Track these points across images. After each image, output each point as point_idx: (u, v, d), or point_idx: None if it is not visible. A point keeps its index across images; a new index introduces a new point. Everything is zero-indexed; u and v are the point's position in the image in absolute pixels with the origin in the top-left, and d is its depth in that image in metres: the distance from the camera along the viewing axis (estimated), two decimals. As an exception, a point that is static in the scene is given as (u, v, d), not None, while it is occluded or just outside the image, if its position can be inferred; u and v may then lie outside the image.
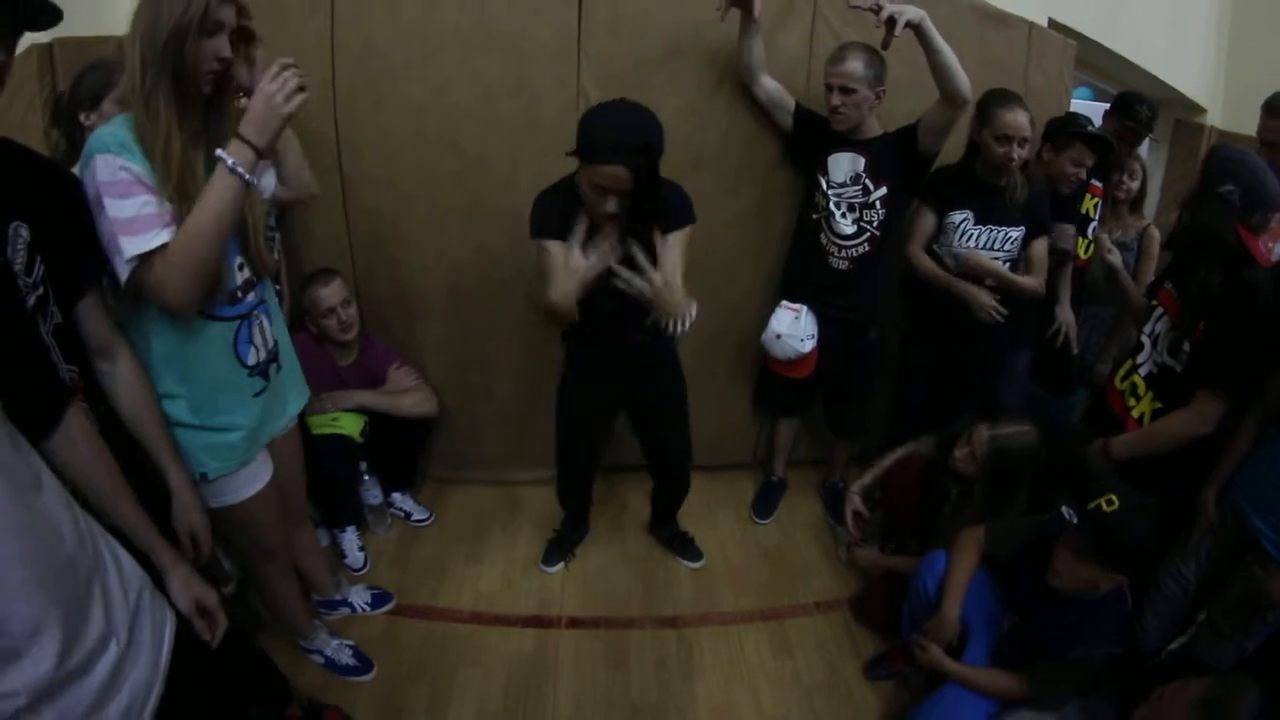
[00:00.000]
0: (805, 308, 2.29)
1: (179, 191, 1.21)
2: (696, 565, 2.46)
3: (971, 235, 2.20)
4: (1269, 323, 1.57)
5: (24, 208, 1.06)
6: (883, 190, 2.16)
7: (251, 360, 1.44)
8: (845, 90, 2.02)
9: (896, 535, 2.34)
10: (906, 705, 1.96)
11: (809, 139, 2.22)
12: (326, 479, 2.18)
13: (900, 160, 2.13)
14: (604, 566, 2.45)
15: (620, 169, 1.48)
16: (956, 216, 2.21)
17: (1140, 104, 2.33)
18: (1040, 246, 2.21)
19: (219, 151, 1.21)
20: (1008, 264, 2.21)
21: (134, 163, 1.18)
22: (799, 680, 2.08)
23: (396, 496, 2.57)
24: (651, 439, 2.22)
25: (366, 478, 2.36)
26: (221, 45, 1.22)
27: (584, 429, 2.16)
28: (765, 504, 2.71)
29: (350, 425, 2.28)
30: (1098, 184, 2.34)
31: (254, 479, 1.53)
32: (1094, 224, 2.37)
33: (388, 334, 2.47)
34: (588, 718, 1.94)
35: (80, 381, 1.19)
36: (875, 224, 2.20)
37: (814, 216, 2.27)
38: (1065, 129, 2.19)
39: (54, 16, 1.01)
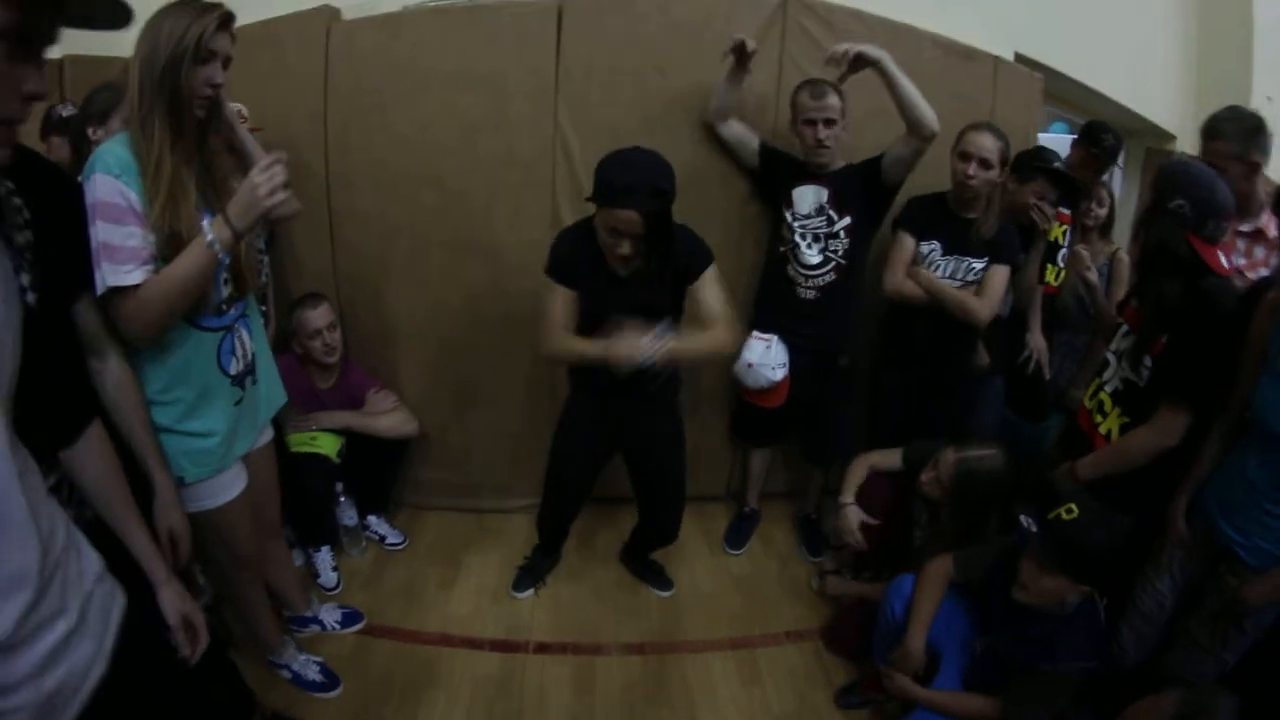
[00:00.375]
0: (776, 337, 2.35)
1: (168, 208, 1.28)
2: (667, 594, 2.46)
3: (937, 266, 2.26)
4: (1228, 331, 1.58)
5: (22, 195, 1.09)
6: (846, 220, 2.24)
7: (233, 370, 1.51)
8: (829, 123, 2.11)
9: (870, 563, 2.35)
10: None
11: (775, 174, 2.32)
12: (303, 497, 2.20)
13: (864, 191, 2.22)
14: (574, 594, 2.45)
15: (633, 213, 1.56)
16: (925, 247, 2.27)
17: (1105, 132, 2.40)
18: (998, 272, 2.22)
19: (204, 224, 1.29)
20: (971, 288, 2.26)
21: (131, 189, 1.26)
22: (768, 709, 2.05)
23: (372, 519, 2.58)
24: (645, 481, 2.21)
25: (342, 499, 2.40)
26: (215, 72, 1.32)
27: (578, 461, 2.16)
28: (738, 535, 2.71)
29: (328, 445, 2.32)
30: (1066, 212, 2.39)
31: (229, 486, 1.57)
32: (1064, 251, 2.41)
33: (368, 361, 2.54)
34: (554, 743, 1.92)
35: None
36: (840, 253, 2.28)
37: (780, 249, 2.35)
38: (1030, 162, 2.27)
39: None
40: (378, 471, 2.52)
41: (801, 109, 2.15)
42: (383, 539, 2.57)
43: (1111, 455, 1.77)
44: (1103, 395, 1.86)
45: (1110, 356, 1.88)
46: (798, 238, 2.29)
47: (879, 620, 1.99)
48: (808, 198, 2.26)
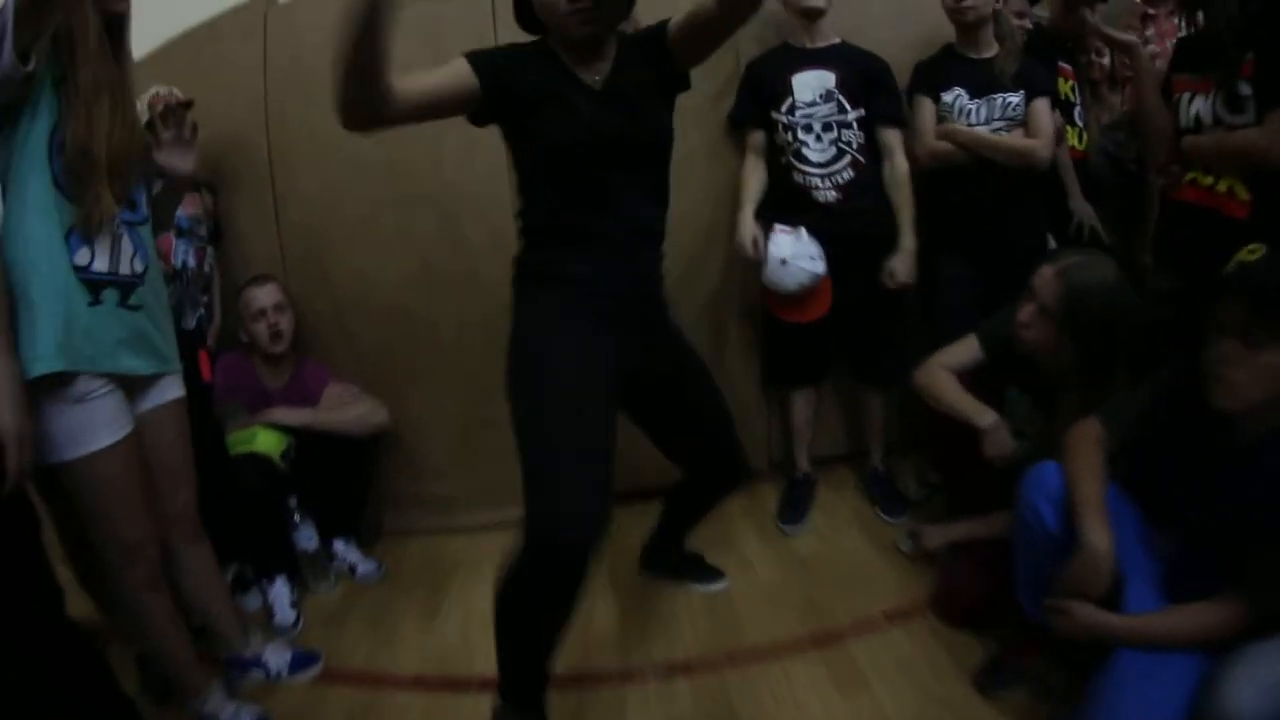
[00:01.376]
0: (801, 227, 1.93)
1: None
2: (717, 587, 1.83)
3: (969, 110, 1.93)
4: None
5: None
6: (860, 111, 1.96)
7: (81, 261, 1.21)
8: None
9: (965, 505, 1.71)
10: (1059, 714, 1.29)
11: (765, 76, 2.02)
12: (242, 507, 1.80)
13: (870, 93, 1.96)
14: (588, 610, 1.82)
15: None
16: (948, 96, 1.94)
17: None
18: (1041, 105, 1.89)
19: None
20: (1014, 132, 1.90)
21: None
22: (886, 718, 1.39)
23: (338, 545, 2.09)
24: (684, 414, 1.46)
25: (297, 517, 1.95)
26: None
27: (581, 420, 1.15)
28: (793, 508, 2.10)
29: (268, 443, 1.91)
30: (1066, 66, 2.08)
31: (103, 427, 1.24)
32: (1077, 108, 2.09)
33: (324, 354, 2.22)
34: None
35: None
36: (855, 146, 1.95)
37: (782, 159, 2.00)
38: None
39: None
40: (341, 482, 2.07)
41: None
42: (353, 569, 2.07)
43: (1217, 142, 1.45)
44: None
45: (1202, 130, 1.50)
46: (800, 130, 1.95)
47: (1018, 545, 1.34)
48: (809, 84, 1.95)
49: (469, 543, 2.22)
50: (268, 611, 1.88)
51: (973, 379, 1.64)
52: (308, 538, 1.96)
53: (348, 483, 2.10)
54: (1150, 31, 2.25)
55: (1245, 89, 1.41)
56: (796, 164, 1.98)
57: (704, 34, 1.20)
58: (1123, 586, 1.15)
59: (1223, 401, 1.05)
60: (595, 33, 1.19)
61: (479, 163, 2.05)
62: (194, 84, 2.01)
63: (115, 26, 1.28)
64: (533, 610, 1.16)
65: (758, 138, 2.04)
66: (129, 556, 1.31)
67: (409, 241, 2.15)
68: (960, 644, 1.54)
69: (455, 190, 2.10)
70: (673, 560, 1.87)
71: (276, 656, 1.65)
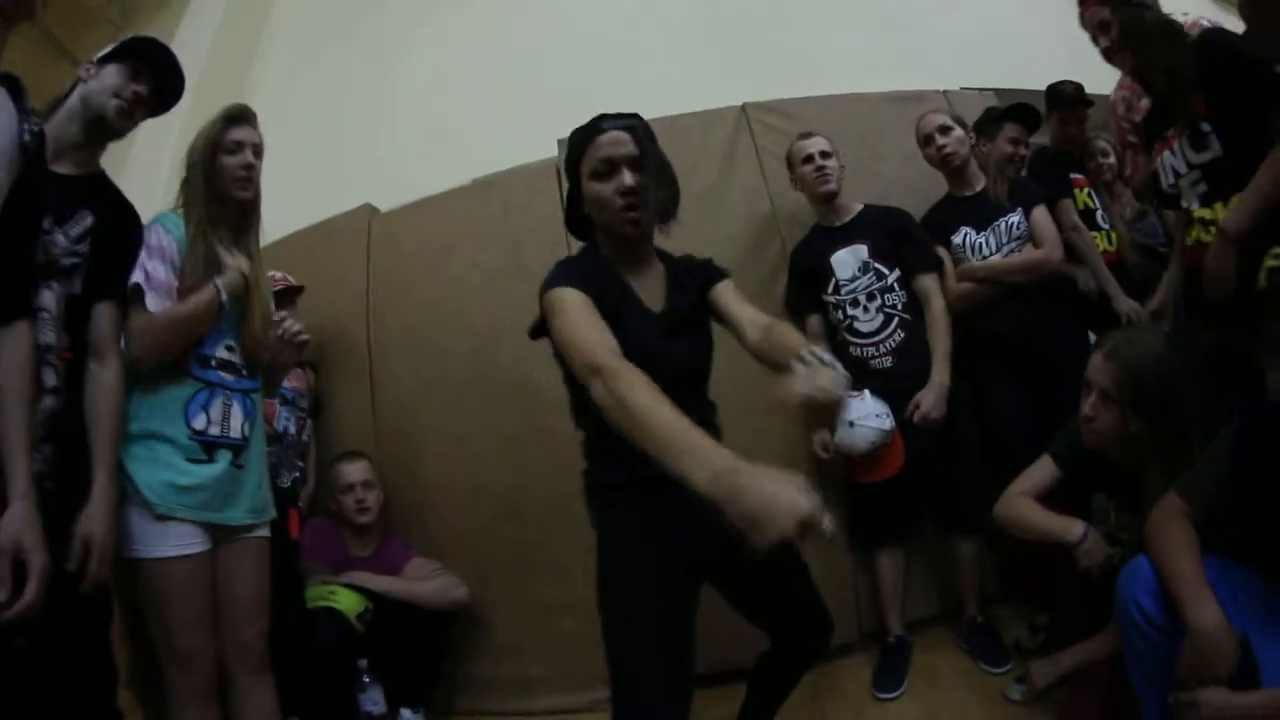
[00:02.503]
0: (865, 390, 1.93)
1: (194, 273, 1.44)
2: None
3: (978, 244, 2.07)
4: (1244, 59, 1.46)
5: (96, 206, 1.34)
6: (897, 272, 2.07)
7: (199, 425, 1.43)
8: (825, 154, 2.09)
9: (1073, 633, 1.56)
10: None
11: (806, 261, 2.17)
12: (313, 659, 1.77)
13: (896, 243, 2.10)
14: None
15: (620, 133, 1.33)
16: (957, 238, 2.10)
17: (1060, 86, 2.30)
18: (1038, 214, 2.03)
19: (217, 280, 1.44)
20: (1026, 248, 2.04)
21: (174, 250, 1.45)
22: None
23: (405, 714, 1.97)
24: (762, 583, 1.41)
25: (366, 679, 1.89)
26: (245, 157, 1.52)
27: (665, 620, 1.23)
28: (889, 674, 1.91)
29: (346, 602, 1.92)
30: (1078, 176, 2.23)
31: (176, 540, 1.37)
32: (1099, 212, 2.19)
33: (409, 533, 2.27)
34: None
35: (68, 354, 1.26)
36: (900, 307, 2.06)
37: (838, 339, 2.13)
38: (987, 118, 2.24)
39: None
40: (415, 651, 2.02)
41: (796, 155, 2.15)
42: (419, 740, 1.94)
43: (1253, 194, 1.40)
44: (1197, 213, 1.57)
45: (1175, 183, 1.63)
46: (849, 306, 2.07)
47: (1130, 655, 1.22)
48: (846, 261, 2.09)
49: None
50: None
51: (1056, 499, 1.56)
52: (374, 701, 1.89)
53: (422, 653, 2.05)
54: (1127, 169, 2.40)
55: (1205, 126, 1.51)
56: (851, 339, 2.08)
57: (730, 328, 1.39)
58: (1255, 663, 1.02)
59: None
60: (642, 230, 1.35)
61: (554, 363, 2.21)
62: (305, 275, 2.38)
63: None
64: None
65: (814, 322, 2.16)
66: (180, 665, 1.36)
67: (492, 427, 2.28)
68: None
69: (537, 380, 2.16)
70: None
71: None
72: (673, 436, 0.94)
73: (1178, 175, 1.60)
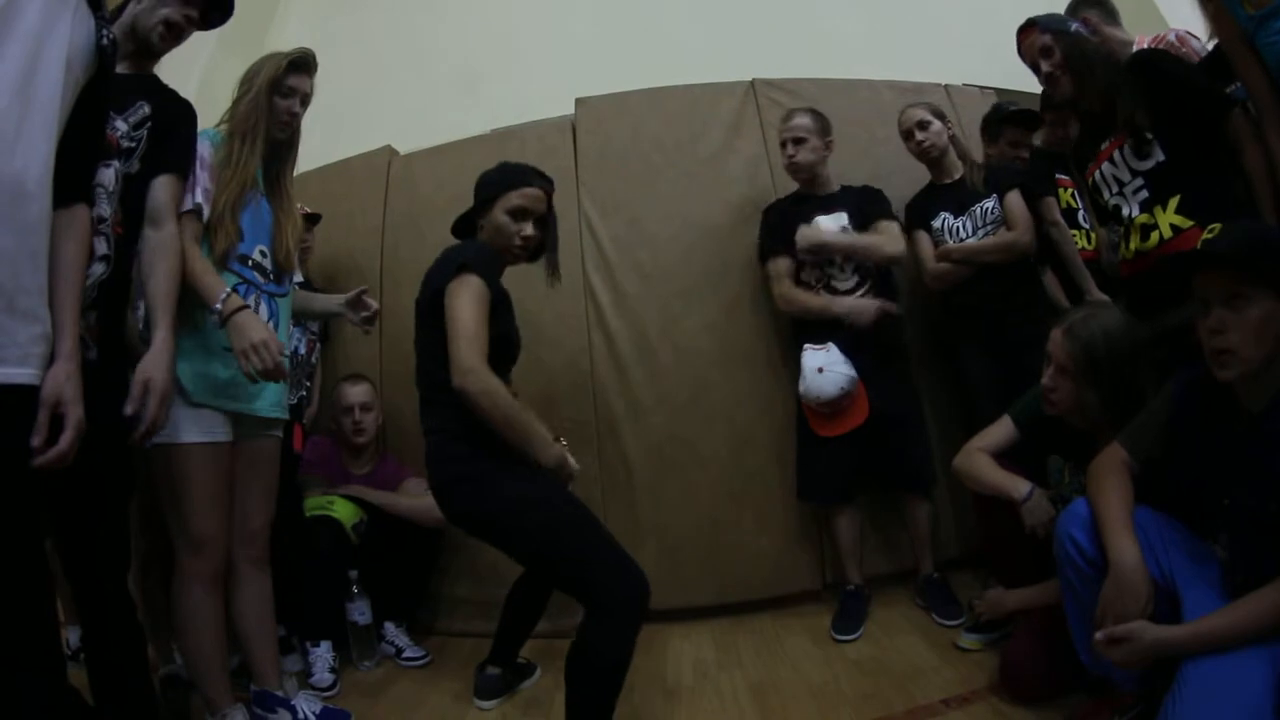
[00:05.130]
0: (829, 343, 2.05)
1: (225, 193, 1.49)
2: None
3: (955, 228, 2.15)
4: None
5: (152, 98, 1.39)
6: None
7: None
8: (797, 141, 2.16)
9: (1018, 584, 1.65)
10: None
11: (783, 223, 2.24)
12: (307, 565, 1.86)
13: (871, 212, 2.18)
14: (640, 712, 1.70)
15: (540, 193, 1.62)
16: (936, 223, 2.18)
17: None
18: (1012, 198, 2.09)
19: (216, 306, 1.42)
20: (999, 230, 2.11)
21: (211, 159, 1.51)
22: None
23: (389, 627, 2.04)
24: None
25: (356, 589, 1.96)
26: (293, 104, 1.60)
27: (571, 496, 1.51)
28: (847, 619, 1.98)
29: (344, 512, 1.99)
30: (1064, 177, 2.28)
31: (201, 428, 1.44)
32: (1080, 212, 2.25)
33: (408, 458, 2.29)
34: None
35: (119, 229, 1.28)
36: (873, 271, 2.15)
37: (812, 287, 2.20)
38: (991, 120, 2.29)
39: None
40: (403, 567, 2.09)
41: (779, 136, 2.23)
42: (399, 652, 2.00)
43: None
44: (1137, 220, 1.59)
45: (1114, 196, 1.65)
46: (826, 264, 2.16)
47: (1066, 592, 1.30)
48: (829, 226, 2.18)
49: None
50: (306, 674, 1.83)
51: (1013, 458, 1.65)
52: (361, 612, 1.95)
53: (410, 569, 2.12)
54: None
55: (1149, 134, 1.54)
56: (825, 292, 2.15)
57: None
58: (1179, 601, 1.10)
59: (1225, 371, 1.06)
60: (520, 261, 1.66)
61: (557, 300, 2.22)
62: (324, 207, 2.44)
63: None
64: (618, 660, 1.36)
65: (782, 264, 2.20)
66: (194, 548, 1.42)
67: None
68: (1023, 718, 1.41)
69: (535, 318, 2.25)
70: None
71: (307, 704, 1.59)
72: (530, 429, 1.44)
73: (1120, 184, 1.63)
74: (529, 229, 1.61)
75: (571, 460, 1.51)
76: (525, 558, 1.57)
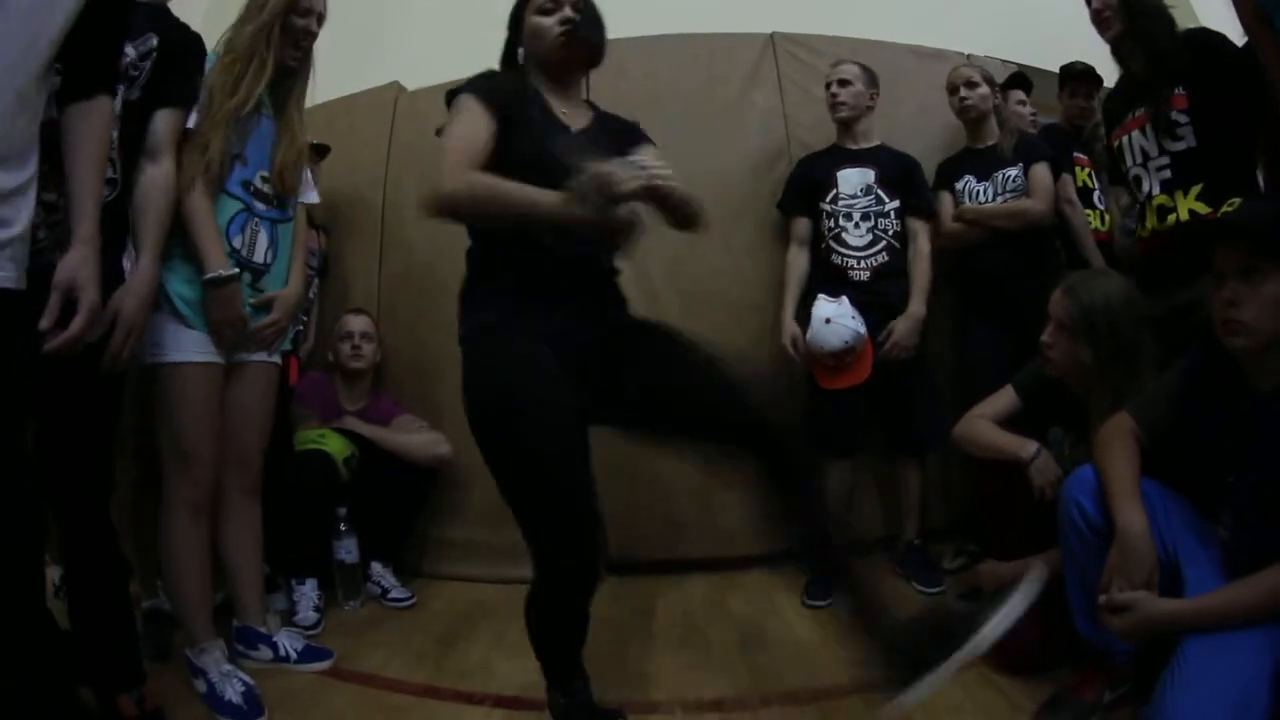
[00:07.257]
0: (843, 296, 1.99)
1: (220, 127, 1.40)
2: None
3: (976, 192, 2.09)
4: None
5: (161, 29, 1.34)
6: (896, 203, 2.09)
7: (236, 244, 1.46)
8: (843, 83, 2.10)
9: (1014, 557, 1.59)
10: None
11: (811, 172, 2.17)
12: (296, 498, 1.81)
13: (906, 186, 2.12)
14: (628, 655, 1.67)
15: None
16: (959, 184, 2.12)
17: (1072, 65, 2.29)
18: (1038, 169, 2.03)
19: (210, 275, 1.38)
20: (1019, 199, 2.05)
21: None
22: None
23: (375, 567, 2.00)
24: (690, 390, 1.20)
25: (344, 526, 1.91)
26: (310, 24, 1.51)
27: (562, 429, 1.15)
28: (821, 584, 1.89)
29: (335, 446, 1.94)
30: (1081, 156, 2.24)
31: (196, 347, 1.39)
32: (1096, 193, 2.21)
33: (403, 396, 2.28)
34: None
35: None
36: (891, 233, 2.07)
37: (823, 244, 2.13)
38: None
39: None
40: (392, 506, 2.04)
41: (826, 81, 2.15)
42: (385, 592, 1.97)
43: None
44: (1155, 199, 1.57)
45: (1136, 169, 1.62)
46: (841, 218, 2.08)
47: (1066, 558, 1.26)
48: (853, 179, 2.10)
49: (509, 591, 2.07)
50: (290, 612, 1.80)
51: (1013, 428, 1.58)
52: (348, 550, 1.91)
53: (399, 508, 2.07)
54: None
55: (1182, 117, 1.51)
56: (836, 247, 2.08)
57: None
58: (1181, 577, 1.05)
59: (1236, 343, 1.03)
60: (574, 55, 1.29)
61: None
62: (329, 141, 2.34)
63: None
64: (568, 611, 1.24)
65: (802, 225, 2.16)
66: (182, 469, 1.38)
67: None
68: (1015, 688, 1.36)
69: None
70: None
71: (289, 640, 1.57)
72: (525, 192, 1.05)
73: (1146, 157, 1.60)
74: (568, 10, 1.28)
75: (604, 168, 0.99)
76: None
